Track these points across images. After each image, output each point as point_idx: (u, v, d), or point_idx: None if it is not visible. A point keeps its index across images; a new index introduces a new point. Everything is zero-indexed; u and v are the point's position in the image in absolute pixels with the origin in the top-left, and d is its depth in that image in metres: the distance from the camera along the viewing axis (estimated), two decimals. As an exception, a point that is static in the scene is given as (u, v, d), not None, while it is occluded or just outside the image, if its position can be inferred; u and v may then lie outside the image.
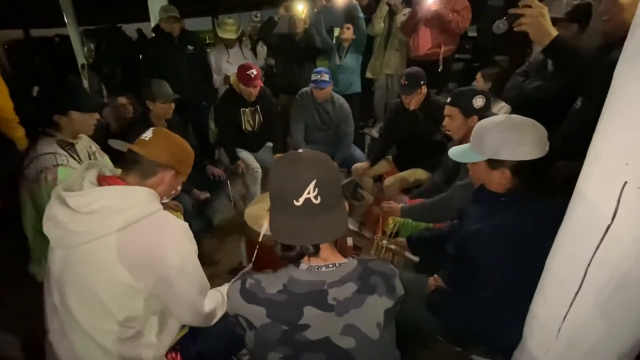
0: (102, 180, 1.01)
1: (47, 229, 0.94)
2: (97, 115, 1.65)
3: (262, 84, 2.64)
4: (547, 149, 1.05)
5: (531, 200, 1.07)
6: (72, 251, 0.93)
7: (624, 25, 1.29)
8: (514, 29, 1.21)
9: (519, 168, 1.05)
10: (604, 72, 1.16)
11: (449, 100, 1.82)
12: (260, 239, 1.16)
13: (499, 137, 1.06)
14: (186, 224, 1.04)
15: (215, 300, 1.15)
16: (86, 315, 0.96)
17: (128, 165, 1.06)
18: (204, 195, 2.41)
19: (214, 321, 1.15)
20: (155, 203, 1.00)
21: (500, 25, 1.22)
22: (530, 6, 1.17)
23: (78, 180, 0.98)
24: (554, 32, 1.18)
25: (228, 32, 3.45)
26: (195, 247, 1.04)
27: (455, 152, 1.22)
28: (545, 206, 1.05)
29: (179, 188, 1.18)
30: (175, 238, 0.99)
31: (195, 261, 1.03)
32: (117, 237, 0.91)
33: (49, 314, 1.02)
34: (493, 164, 1.08)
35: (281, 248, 0.81)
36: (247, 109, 2.74)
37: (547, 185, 1.09)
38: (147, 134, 1.08)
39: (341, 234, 0.80)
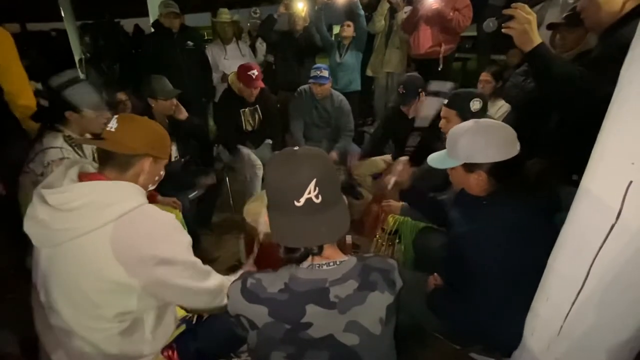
0: (83, 178, 0.97)
1: (28, 227, 0.90)
2: (108, 115, 1.63)
3: (263, 85, 2.61)
4: (519, 148, 1.09)
5: (511, 199, 1.10)
6: (57, 250, 0.90)
7: (600, 24, 1.30)
8: (502, 30, 1.24)
9: (494, 169, 1.09)
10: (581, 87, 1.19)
11: (445, 102, 1.82)
12: (260, 238, 1.15)
13: (471, 142, 1.10)
14: (172, 216, 1.00)
15: (222, 279, 1.11)
16: (74, 314, 0.93)
17: (102, 161, 1.01)
18: (209, 180, 2.38)
19: (225, 302, 1.08)
20: (140, 197, 0.96)
21: (490, 24, 1.27)
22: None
23: (60, 178, 0.95)
24: (537, 40, 1.22)
25: (223, 14, 3.43)
26: (188, 238, 1.00)
27: (433, 159, 1.25)
28: (525, 202, 1.08)
29: (162, 173, 1.13)
30: (163, 232, 0.95)
31: (185, 251, 0.99)
32: (103, 233, 0.88)
33: (38, 313, 1.00)
34: (469, 167, 1.12)
35: (285, 250, 0.80)
36: (247, 109, 2.72)
37: (524, 183, 1.13)
38: (112, 125, 0.99)
39: (345, 232, 0.79)
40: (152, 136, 1.04)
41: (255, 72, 2.50)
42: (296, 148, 0.81)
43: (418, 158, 2.44)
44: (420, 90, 2.29)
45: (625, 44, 0.71)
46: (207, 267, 1.09)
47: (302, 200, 0.74)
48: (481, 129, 1.12)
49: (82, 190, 0.90)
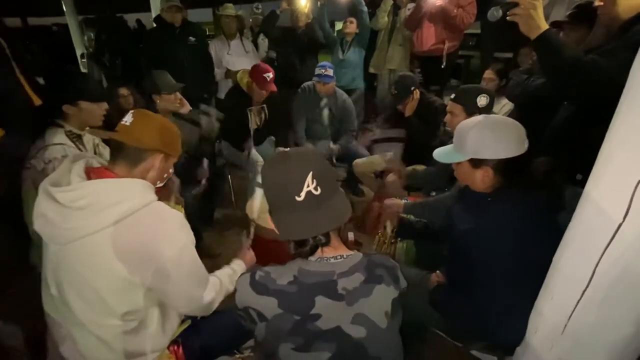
0: (90, 173, 0.97)
1: (38, 226, 0.90)
2: (106, 106, 1.63)
3: (275, 89, 2.57)
4: (527, 146, 1.08)
5: (516, 196, 1.09)
6: (67, 247, 0.90)
7: (617, 19, 1.28)
8: (507, 18, 1.21)
9: (501, 166, 1.08)
10: (590, 76, 1.17)
11: (452, 96, 1.82)
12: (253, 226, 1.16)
13: (479, 137, 1.09)
14: (181, 215, 1.00)
15: (214, 289, 1.12)
16: (85, 310, 0.94)
17: (113, 154, 1.00)
18: (204, 174, 2.36)
19: (213, 309, 1.13)
20: (149, 194, 0.96)
21: (494, 13, 1.23)
22: None
23: (66, 174, 0.94)
24: (544, 26, 1.19)
25: (228, 8, 3.40)
26: (193, 238, 1.01)
27: (439, 153, 1.24)
28: (530, 199, 1.08)
29: (171, 171, 1.13)
30: (172, 230, 0.95)
31: (192, 253, 1.00)
32: (112, 231, 0.88)
33: (48, 308, 1.00)
34: (475, 163, 1.11)
35: (294, 246, 0.82)
36: (254, 108, 2.70)
37: (530, 180, 1.12)
38: (128, 119, 1.00)
39: (348, 217, 0.81)
40: (165, 133, 1.05)
41: (270, 75, 2.48)
42: (287, 149, 0.84)
43: (412, 157, 2.47)
44: (412, 88, 2.28)
45: None
46: (207, 276, 1.10)
47: (303, 194, 0.76)
48: (490, 124, 1.10)
49: (91, 188, 0.90)
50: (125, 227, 0.89)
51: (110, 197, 0.89)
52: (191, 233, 1.01)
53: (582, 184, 0.85)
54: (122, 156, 0.99)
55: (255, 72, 2.51)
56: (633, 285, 0.76)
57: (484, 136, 1.08)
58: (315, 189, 0.77)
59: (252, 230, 1.44)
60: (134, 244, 0.90)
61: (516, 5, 1.18)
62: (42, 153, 1.47)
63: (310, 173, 0.76)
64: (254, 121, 2.74)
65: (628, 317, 0.81)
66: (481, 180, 1.12)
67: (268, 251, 1.33)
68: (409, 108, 2.33)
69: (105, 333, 0.96)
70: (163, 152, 1.04)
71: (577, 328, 0.86)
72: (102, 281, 0.91)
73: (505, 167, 1.08)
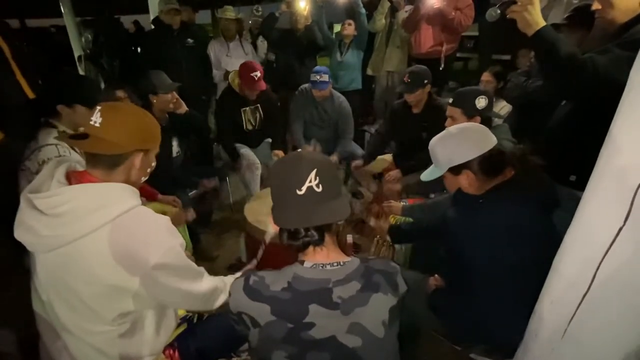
0: (71, 178, 0.92)
1: (18, 234, 0.85)
2: None
3: (264, 87, 2.56)
4: (495, 140, 1.15)
5: (508, 197, 1.11)
6: (51, 254, 0.86)
7: (613, 23, 1.29)
8: (507, 16, 1.23)
9: (479, 165, 1.12)
10: (588, 74, 1.17)
11: (451, 100, 1.81)
12: (266, 241, 1.18)
13: (445, 147, 1.19)
14: (167, 218, 0.95)
15: (214, 282, 1.08)
16: (73, 318, 0.91)
17: (89, 159, 0.93)
18: (212, 183, 2.39)
19: (217, 304, 1.08)
20: (132, 198, 0.92)
21: (492, 13, 1.27)
22: None
23: (47, 180, 0.89)
24: (541, 22, 1.21)
25: (228, 11, 3.39)
26: (181, 241, 0.97)
27: (425, 175, 1.31)
28: (522, 199, 1.10)
29: (154, 164, 1.05)
30: (156, 234, 0.91)
31: (179, 254, 0.95)
32: (95, 237, 0.84)
33: (39, 315, 0.98)
34: (454, 170, 1.17)
35: (287, 237, 0.83)
36: (248, 108, 2.70)
37: (521, 180, 1.13)
38: (96, 119, 0.89)
39: (345, 217, 0.82)
40: (140, 128, 0.96)
41: (257, 74, 2.46)
42: (300, 150, 0.84)
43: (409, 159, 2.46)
44: (426, 81, 2.26)
45: None
46: (201, 269, 1.07)
47: (304, 188, 0.77)
48: (450, 134, 1.19)
49: (70, 194, 0.86)
50: (109, 233, 0.86)
51: (90, 203, 0.85)
52: (179, 236, 0.97)
53: (575, 184, 0.85)
54: (99, 162, 0.93)
55: (243, 72, 2.49)
56: (634, 290, 0.75)
57: (449, 145, 1.17)
58: (317, 186, 0.78)
59: (260, 252, 1.40)
60: (118, 250, 0.86)
61: (514, 2, 1.20)
62: (36, 154, 1.46)
63: (315, 170, 0.78)
64: (248, 121, 2.72)
65: (629, 321, 0.80)
66: (467, 184, 1.16)
67: (267, 254, 1.32)
68: (419, 102, 2.30)
69: (95, 340, 0.93)
70: (142, 150, 0.97)
71: (577, 333, 0.85)
72: (86, 288, 0.88)
73: (483, 165, 1.12)
